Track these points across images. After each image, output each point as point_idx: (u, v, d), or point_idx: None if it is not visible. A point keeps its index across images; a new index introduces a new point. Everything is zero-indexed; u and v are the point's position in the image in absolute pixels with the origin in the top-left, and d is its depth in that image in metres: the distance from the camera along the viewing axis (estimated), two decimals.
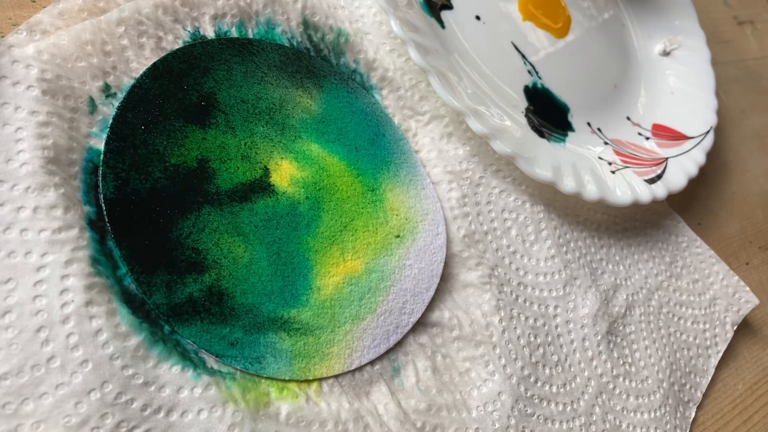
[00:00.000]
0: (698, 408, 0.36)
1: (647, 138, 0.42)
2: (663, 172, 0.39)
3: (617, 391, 0.33)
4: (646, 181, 0.38)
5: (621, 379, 0.33)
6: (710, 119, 0.42)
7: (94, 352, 0.21)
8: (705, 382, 0.36)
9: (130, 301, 0.23)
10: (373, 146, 0.31)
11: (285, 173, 0.28)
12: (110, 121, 0.25)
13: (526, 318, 0.32)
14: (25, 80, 0.24)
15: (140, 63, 0.27)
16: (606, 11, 0.44)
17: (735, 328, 0.39)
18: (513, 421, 0.29)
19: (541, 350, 0.31)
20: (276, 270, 0.26)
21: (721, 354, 0.38)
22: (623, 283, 0.36)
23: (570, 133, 0.38)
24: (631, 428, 0.32)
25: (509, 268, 0.32)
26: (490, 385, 0.29)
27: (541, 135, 0.36)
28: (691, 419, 0.35)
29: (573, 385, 0.31)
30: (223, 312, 0.24)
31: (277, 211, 0.27)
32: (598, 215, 0.38)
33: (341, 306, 0.27)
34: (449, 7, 0.36)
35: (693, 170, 0.40)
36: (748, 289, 0.40)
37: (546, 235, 0.34)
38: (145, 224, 0.24)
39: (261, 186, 0.27)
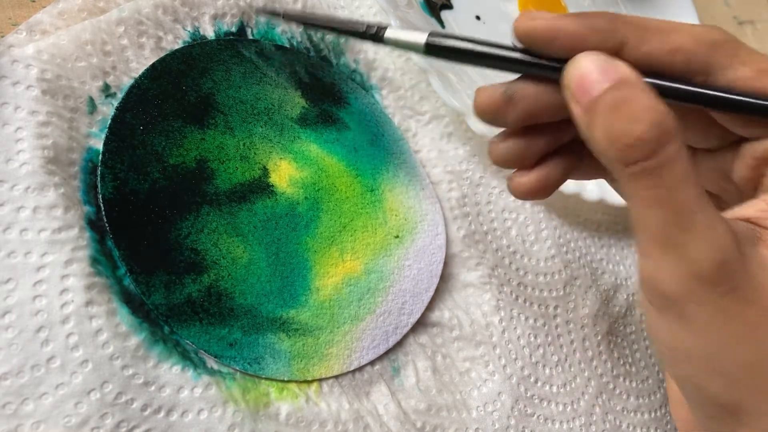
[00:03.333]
0: None
1: None
2: None
3: (617, 391, 0.33)
4: None
5: (621, 379, 0.33)
6: None
7: (94, 352, 0.21)
8: None
9: (130, 301, 0.23)
10: (372, 146, 0.31)
11: (284, 173, 0.28)
12: (109, 121, 0.25)
13: (526, 318, 0.32)
14: (24, 80, 0.24)
15: (140, 63, 0.27)
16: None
17: None
18: (513, 421, 0.29)
19: (541, 350, 0.31)
20: (275, 270, 0.26)
21: None
22: (623, 283, 0.36)
23: None
24: (631, 428, 0.32)
25: (509, 268, 0.32)
26: (490, 385, 0.29)
27: None
28: None
29: (573, 385, 0.31)
30: (221, 312, 0.24)
31: (276, 212, 0.27)
32: (599, 215, 0.38)
33: (340, 306, 0.27)
34: (449, 7, 0.36)
35: None
36: None
37: (546, 235, 0.34)
38: (143, 224, 0.24)
39: (260, 186, 0.27)
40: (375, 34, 0.23)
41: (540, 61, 0.20)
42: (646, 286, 0.18)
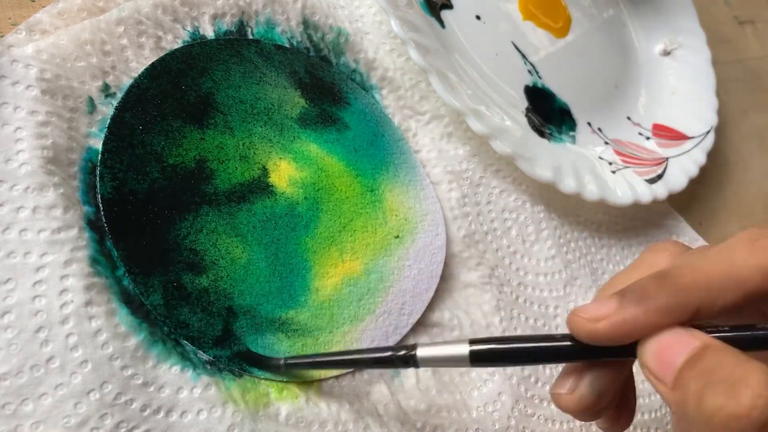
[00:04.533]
0: None
1: (648, 138, 0.41)
2: (663, 172, 0.39)
3: None
4: (646, 181, 0.38)
5: None
6: (711, 119, 0.42)
7: (94, 353, 0.21)
8: None
9: (129, 301, 0.23)
10: (372, 146, 0.31)
11: (283, 173, 0.28)
12: (108, 121, 0.25)
13: (527, 318, 0.32)
14: (24, 80, 0.24)
15: (139, 63, 0.27)
16: (606, 11, 0.44)
17: None
18: (513, 422, 0.28)
19: None
20: (274, 271, 0.26)
21: None
22: None
23: (570, 133, 0.38)
24: (631, 428, 0.32)
25: (509, 269, 0.32)
26: (490, 385, 0.29)
27: (542, 135, 0.36)
28: None
29: None
30: (220, 313, 0.24)
31: (276, 212, 0.27)
32: (599, 215, 0.38)
33: (340, 307, 0.27)
34: (449, 6, 0.36)
35: (693, 170, 0.39)
36: None
37: (546, 235, 0.34)
38: (142, 225, 0.24)
39: (259, 186, 0.27)
40: (404, 358, 0.21)
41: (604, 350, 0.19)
42: None
